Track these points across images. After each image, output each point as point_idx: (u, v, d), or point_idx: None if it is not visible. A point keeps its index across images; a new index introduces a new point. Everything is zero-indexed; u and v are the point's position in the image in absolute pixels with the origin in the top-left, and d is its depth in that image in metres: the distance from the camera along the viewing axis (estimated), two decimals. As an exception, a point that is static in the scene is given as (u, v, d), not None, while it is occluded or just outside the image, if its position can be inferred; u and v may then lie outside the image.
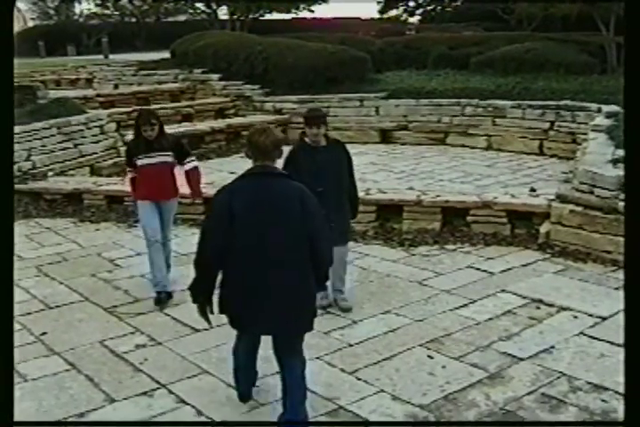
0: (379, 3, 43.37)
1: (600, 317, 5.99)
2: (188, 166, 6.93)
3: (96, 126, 12.82)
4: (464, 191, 9.56)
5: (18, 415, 4.66)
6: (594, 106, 12.73)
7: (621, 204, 7.06)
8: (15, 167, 10.67)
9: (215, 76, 18.04)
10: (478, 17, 32.25)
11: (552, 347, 5.50)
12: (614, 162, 7.82)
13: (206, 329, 5.89)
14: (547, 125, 13.49)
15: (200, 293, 4.37)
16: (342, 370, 5.19)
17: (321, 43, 18.28)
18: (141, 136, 6.64)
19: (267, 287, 4.13)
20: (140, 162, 6.71)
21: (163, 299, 6.53)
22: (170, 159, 6.77)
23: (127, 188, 7.56)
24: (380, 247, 8.08)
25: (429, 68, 18.48)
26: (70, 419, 4.65)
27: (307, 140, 6.09)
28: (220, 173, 11.89)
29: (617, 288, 6.53)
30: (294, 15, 41.03)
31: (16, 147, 10.84)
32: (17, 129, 10.99)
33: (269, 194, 4.15)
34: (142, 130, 6.59)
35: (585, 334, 5.70)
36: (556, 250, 7.68)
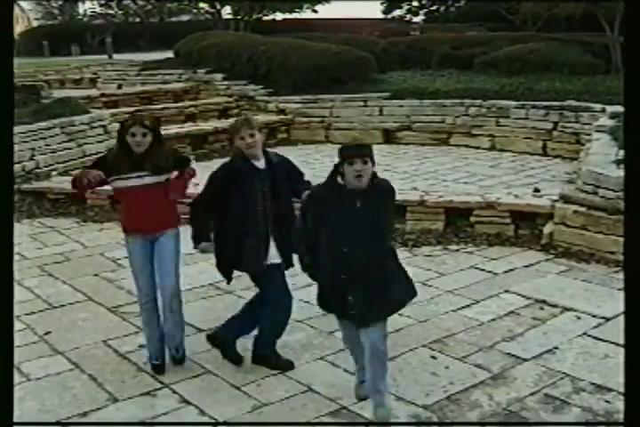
0: (382, 3, 43.36)
1: (604, 317, 5.98)
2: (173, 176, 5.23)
3: (99, 126, 12.83)
4: (467, 192, 9.55)
5: (21, 415, 4.68)
6: (598, 106, 12.71)
7: (625, 204, 7.05)
8: (19, 167, 10.69)
9: (219, 76, 18.05)
10: (482, 17, 32.21)
11: (555, 348, 5.49)
12: (618, 162, 7.81)
13: (209, 329, 5.90)
14: (550, 126, 13.48)
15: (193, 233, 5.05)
16: (345, 370, 5.18)
17: (325, 43, 18.31)
18: (123, 150, 4.95)
19: None
20: (120, 183, 4.99)
21: (159, 368, 5.25)
22: (163, 180, 5.08)
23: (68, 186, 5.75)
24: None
25: (433, 69, 18.48)
26: (73, 418, 4.65)
27: (340, 180, 4.33)
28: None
29: (620, 289, 6.52)
30: (298, 15, 41.07)
31: (19, 146, 10.86)
32: (20, 129, 11.01)
33: None
34: (130, 133, 4.85)
35: (588, 335, 5.69)
36: (560, 251, 7.67)
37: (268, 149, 5.26)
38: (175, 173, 5.18)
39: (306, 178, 5.38)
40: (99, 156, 5.21)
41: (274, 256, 5.05)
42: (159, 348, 5.26)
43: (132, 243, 5.11)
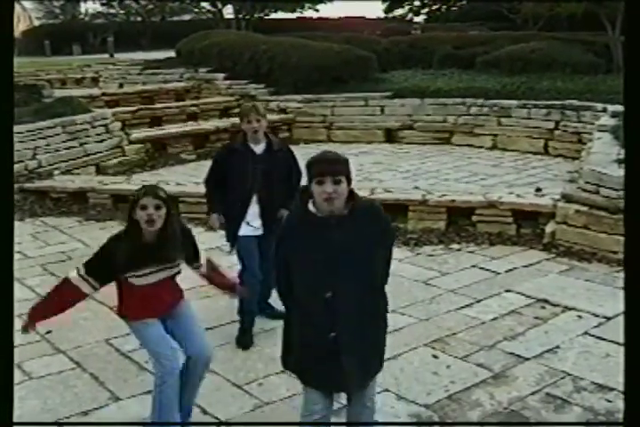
0: (384, 2, 43.34)
1: (605, 317, 5.98)
2: (203, 269, 4.51)
3: (101, 125, 12.84)
4: (469, 191, 9.55)
5: (23, 413, 4.69)
6: (599, 105, 12.71)
7: (627, 204, 7.05)
8: (21, 166, 10.71)
9: (220, 76, 18.06)
10: (484, 16, 32.20)
11: (557, 347, 5.49)
12: (620, 162, 7.81)
13: (211, 328, 5.92)
14: (552, 125, 13.48)
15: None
16: (347, 369, 5.18)
17: (326, 42, 18.30)
18: (133, 232, 4.04)
19: None
20: (136, 281, 4.11)
21: None
22: (177, 270, 4.26)
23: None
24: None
25: (435, 68, 18.47)
26: (75, 417, 4.66)
27: (311, 207, 3.44)
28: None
29: (622, 288, 6.52)
30: (299, 14, 41.07)
31: (21, 146, 10.88)
32: (22, 128, 11.03)
33: None
34: (140, 207, 3.95)
35: (590, 334, 5.69)
36: (562, 250, 7.67)
37: (273, 137, 5.70)
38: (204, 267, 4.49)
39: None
40: (107, 242, 4.15)
41: (252, 229, 5.58)
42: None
43: (140, 326, 4.28)
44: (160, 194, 3.99)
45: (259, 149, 5.54)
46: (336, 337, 3.42)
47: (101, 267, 4.09)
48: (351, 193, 3.39)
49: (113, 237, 4.17)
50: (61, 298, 4.21)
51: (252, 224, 5.57)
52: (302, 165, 5.59)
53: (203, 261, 4.46)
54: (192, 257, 4.38)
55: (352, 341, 3.44)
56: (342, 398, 4.28)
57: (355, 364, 3.47)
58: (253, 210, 5.56)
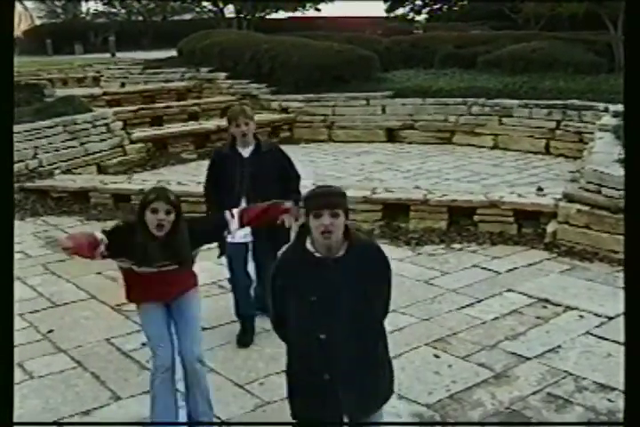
0: (385, 1, 43.31)
1: (607, 316, 5.98)
2: (245, 218, 4.46)
3: (102, 125, 12.84)
4: (470, 190, 9.54)
5: (24, 413, 4.70)
6: (601, 105, 12.70)
7: (628, 203, 7.04)
8: (22, 165, 10.71)
9: (222, 75, 18.06)
10: (485, 16, 32.16)
11: (558, 346, 5.49)
12: (621, 161, 7.80)
13: (212, 327, 5.92)
14: (553, 125, 13.47)
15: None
16: (348, 369, 5.18)
17: (327, 41, 18.28)
18: (144, 228, 4.04)
19: None
20: (137, 270, 4.20)
21: None
22: (186, 267, 4.32)
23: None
24: (386, 246, 8.04)
25: (436, 67, 18.45)
26: (76, 416, 4.66)
27: (309, 245, 3.33)
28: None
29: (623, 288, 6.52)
30: (301, 14, 41.05)
31: (23, 145, 10.88)
32: (23, 127, 11.03)
33: None
34: (150, 210, 3.99)
35: (591, 334, 5.68)
36: (563, 249, 7.66)
37: (263, 138, 5.67)
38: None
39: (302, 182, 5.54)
40: (112, 229, 4.24)
41: (239, 237, 5.40)
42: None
43: (144, 310, 4.38)
44: (172, 199, 4.02)
45: (247, 152, 5.49)
46: (331, 379, 3.34)
47: (115, 244, 4.11)
48: (347, 229, 3.31)
49: (128, 223, 4.30)
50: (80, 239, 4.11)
51: (238, 233, 5.21)
52: (298, 166, 5.65)
53: (234, 224, 4.42)
54: (209, 240, 4.58)
55: (348, 382, 3.35)
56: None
57: (353, 404, 3.39)
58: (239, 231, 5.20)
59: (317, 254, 3.30)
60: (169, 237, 4.06)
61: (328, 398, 3.36)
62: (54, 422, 4.62)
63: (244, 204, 5.23)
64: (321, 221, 3.21)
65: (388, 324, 5.85)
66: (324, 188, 3.40)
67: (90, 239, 4.07)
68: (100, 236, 4.10)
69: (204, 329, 5.84)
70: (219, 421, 4.57)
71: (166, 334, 4.32)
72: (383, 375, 3.53)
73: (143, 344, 5.59)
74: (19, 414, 4.68)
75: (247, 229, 5.28)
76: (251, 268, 5.75)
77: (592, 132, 11.41)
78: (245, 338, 5.71)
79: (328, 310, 3.29)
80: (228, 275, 5.93)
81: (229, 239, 5.37)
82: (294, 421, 3.57)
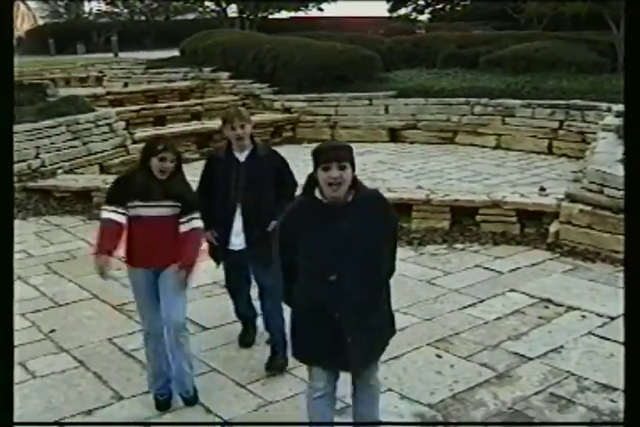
0: (388, 1, 43.31)
1: (609, 317, 5.97)
2: (186, 227, 4.71)
3: (105, 124, 12.84)
4: (473, 190, 9.54)
5: (26, 412, 4.70)
6: (604, 105, 12.69)
7: (631, 203, 7.03)
8: (24, 165, 10.71)
9: (224, 75, 18.08)
10: (488, 16, 32.17)
11: (561, 347, 5.48)
12: (624, 161, 7.79)
13: (214, 327, 5.92)
14: (556, 125, 13.47)
15: None
16: (350, 369, 5.18)
17: (330, 41, 18.28)
18: (145, 172, 4.63)
19: None
20: (133, 211, 4.64)
21: (162, 403, 4.79)
22: (178, 211, 4.71)
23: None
24: (388, 246, 8.06)
25: (439, 67, 18.45)
26: (78, 416, 4.66)
27: (317, 194, 3.64)
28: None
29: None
30: (304, 14, 41.07)
31: (25, 145, 10.89)
32: (26, 127, 11.04)
33: None
34: (159, 158, 4.55)
35: (594, 334, 5.68)
36: (565, 249, 7.66)
37: (260, 142, 5.37)
38: (190, 225, 4.74)
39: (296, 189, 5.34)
40: (121, 175, 4.85)
41: (236, 245, 5.21)
42: (164, 383, 4.80)
43: (135, 273, 4.77)
44: (177, 150, 4.65)
45: (243, 156, 5.16)
46: (340, 318, 3.57)
47: (119, 193, 4.67)
48: (354, 180, 3.55)
49: (125, 174, 5.03)
50: (105, 233, 4.67)
51: (234, 242, 5.23)
52: (294, 170, 5.59)
53: (189, 224, 4.72)
54: (186, 210, 4.71)
55: (356, 322, 3.59)
56: (347, 398, 4.30)
57: (358, 344, 3.61)
58: (237, 225, 5.19)
59: (325, 201, 3.56)
60: (169, 179, 4.63)
61: (335, 341, 3.62)
62: (55, 422, 4.62)
63: (238, 210, 5.13)
64: (329, 173, 3.45)
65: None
66: (332, 142, 3.52)
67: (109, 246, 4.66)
68: (102, 214, 4.71)
69: (205, 329, 5.89)
70: (221, 421, 4.58)
71: (153, 302, 4.71)
72: (386, 320, 3.83)
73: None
74: (21, 414, 4.69)
75: (241, 238, 5.18)
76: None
77: (595, 133, 11.41)
78: (247, 338, 5.70)
79: (339, 258, 3.54)
80: None
81: (229, 247, 5.25)
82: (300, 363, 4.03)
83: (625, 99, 5.18)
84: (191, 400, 4.79)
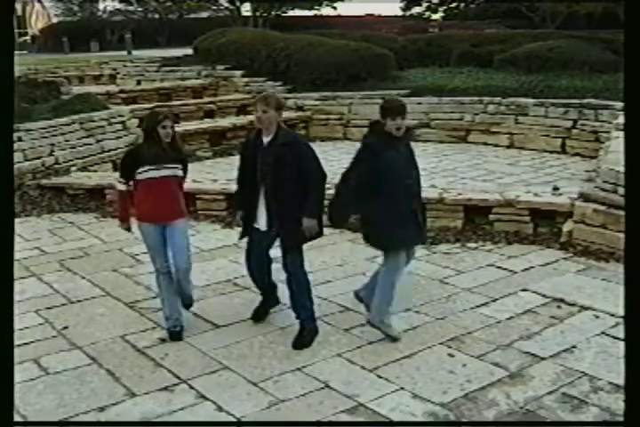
0: (402, 0, 43.29)
1: (622, 317, 5.94)
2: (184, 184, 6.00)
3: (118, 122, 12.88)
4: (486, 189, 9.52)
5: (40, 408, 4.72)
6: (618, 104, 12.60)
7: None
8: (38, 162, 10.77)
9: (238, 73, 18.07)
10: (502, 14, 32.10)
11: (573, 347, 5.46)
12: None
13: (227, 325, 5.93)
14: (570, 124, 13.40)
15: None
16: (363, 367, 5.19)
17: (343, 40, 18.26)
18: (152, 141, 5.59)
19: None
20: (146, 175, 5.58)
21: (174, 334, 5.73)
22: (181, 173, 5.76)
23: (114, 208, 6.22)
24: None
25: (452, 66, 18.37)
26: (91, 413, 4.68)
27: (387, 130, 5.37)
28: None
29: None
30: (317, 12, 41.09)
31: (39, 142, 10.94)
32: (40, 124, 11.09)
33: None
34: (161, 126, 5.50)
35: (607, 334, 5.66)
36: (579, 249, 7.63)
37: (286, 129, 5.62)
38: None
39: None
40: (129, 148, 6.05)
41: (261, 225, 5.61)
42: (176, 310, 5.80)
43: (148, 230, 5.69)
44: (172, 117, 5.74)
45: (266, 140, 5.48)
46: (415, 209, 5.57)
47: (131, 165, 5.63)
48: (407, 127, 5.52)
49: (134, 147, 6.28)
50: (125, 203, 5.84)
51: (259, 222, 5.59)
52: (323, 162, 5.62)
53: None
54: (185, 170, 5.82)
55: (419, 213, 5.65)
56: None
57: (422, 226, 5.70)
58: (262, 206, 5.53)
59: (394, 133, 5.40)
60: (171, 142, 5.61)
61: (411, 224, 5.55)
62: (56, 422, 4.63)
63: (262, 192, 5.49)
64: (396, 122, 5.35)
65: (403, 322, 5.89)
66: (398, 101, 5.66)
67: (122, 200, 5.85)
68: (120, 187, 5.83)
69: (217, 327, 5.91)
70: (233, 419, 4.59)
71: (161, 246, 5.70)
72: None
73: (158, 341, 5.64)
74: (35, 410, 4.71)
75: (264, 220, 5.57)
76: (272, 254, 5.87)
77: (608, 132, 11.36)
78: (257, 313, 6.04)
79: (407, 168, 5.54)
80: (242, 273, 6.18)
81: (255, 225, 5.63)
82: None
83: (625, 99, 5.17)
84: (189, 303, 5.94)
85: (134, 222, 5.81)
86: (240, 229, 5.89)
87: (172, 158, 5.62)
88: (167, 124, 5.56)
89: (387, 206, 5.41)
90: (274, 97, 5.55)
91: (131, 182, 5.70)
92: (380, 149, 5.37)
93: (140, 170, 5.55)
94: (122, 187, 5.79)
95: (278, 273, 5.94)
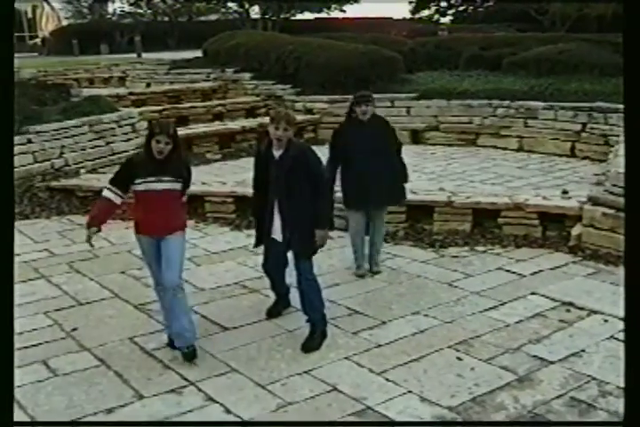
0: (410, 3, 43.29)
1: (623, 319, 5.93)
2: (184, 199, 5.64)
3: (128, 124, 12.90)
4: (495, 193, 9.50)
5: (48, 410, 4.74)
6: (628, 108, 12.58)
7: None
8: (47, 164, 10.81)
9: (247, 76, 18.09)
10: (511, 17, 32.04)
11: (582, 351, 5.45)
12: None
13: (235, 327, 5.94)
14: (579, 127, 13.36)
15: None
16: (371, 370, 5.19)
17: (352, 43, 18.26)
18: (148, 151, 5.27)
19: None
20: (139, 187, 5.29)
21: (186, 356, 5.41)
22: (179, 187, 5.38)
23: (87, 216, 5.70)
24: (410, 248, 8.06)
25: (461, 69, 18.37)
26: (100, 414, 4.69)
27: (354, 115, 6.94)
28: (251, 171, 11.89)
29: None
30: (326, 15, 41.12)
31: (49, 144, 10.99)
32: (50, 126, 11.13)
33: None
34: (155, 140, 5.17)
35: (615, 338, 5.64)
36: (588, 253, 7.61)
37: (296, 141, 5.70)
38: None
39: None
40: (129, 156, 5.65)
41: (276, 232, 5.68)
42: (181, 326, 5.51)
43: (142, 241, 5.48)
44: (170, 132, 5.20)
45: (278, 154, 5.55)
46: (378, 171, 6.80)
47: (124, 175, 5.36)
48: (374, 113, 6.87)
49: (134, 155, 5.81)
50: (99, 208, 5.47)
51: (275, 232, 5.68)
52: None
53: (185, 197, 5.57)
54: (185, 186, 5.46)
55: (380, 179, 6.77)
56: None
57: (380, 192, 6.85)
58: (277, 218, 5.63)
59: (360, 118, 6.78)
60: (166, 158, 5.23)
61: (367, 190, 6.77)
62: (56, 423, 4.64)
63: (276, 205, 5.58)
64: (361, 107, 6.83)
65: (412, 325, 5.88)
66: (364, 92, 7.08)
67: (106, 208, 5.44)
68: (108, 194, 5.39)
69: (226, 329, 5.91)
70: (240, 420, 4.59)
71: (153, 259, 5.45)
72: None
73: (168, 345, 5.64)
74: (43, 411, 4.73)
75: (279, 235, 5.65)
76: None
77: (618, 135, 11.32)
78: (274, 310, 6.18)
79: (367, 145, 6.90)
80: (250, 275, 6.45)
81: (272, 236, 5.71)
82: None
83: (625, 98, 5.15)
84: (189, 355, 5.38)
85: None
86: (254, 234, 5.98)
87: (168, 172, 5.28)
88: (161, 140, 5.16)
89: (350, 177, 6.88)
90: (293, 115, 5.62)
91: (122, 193, 5.40)
92: (347, 130, 7.15)
93: (135, 181, 5.29)
94: (110, 195, 5.38)
95: (289, 277, 5.96)
